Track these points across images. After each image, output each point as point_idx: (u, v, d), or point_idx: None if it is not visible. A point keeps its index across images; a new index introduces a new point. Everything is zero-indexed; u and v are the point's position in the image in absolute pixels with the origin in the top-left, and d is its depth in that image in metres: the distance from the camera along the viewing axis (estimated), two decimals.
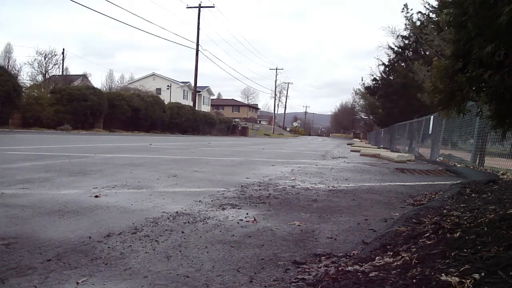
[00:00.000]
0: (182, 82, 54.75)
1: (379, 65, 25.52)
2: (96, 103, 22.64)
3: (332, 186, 3.72)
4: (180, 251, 1.60)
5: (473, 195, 2.81)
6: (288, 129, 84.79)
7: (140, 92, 33.24)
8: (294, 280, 1.31)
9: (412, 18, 17.78)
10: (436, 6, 14.38)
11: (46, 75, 34.33)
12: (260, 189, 3.32)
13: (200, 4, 33.40)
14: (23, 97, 19.44)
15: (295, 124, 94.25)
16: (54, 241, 1.65)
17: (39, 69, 34.76)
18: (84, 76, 42.60)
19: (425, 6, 19.63)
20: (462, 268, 1.08)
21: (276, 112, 76.07)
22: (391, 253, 1.42)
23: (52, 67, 35.52)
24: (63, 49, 41.28)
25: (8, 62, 35.83)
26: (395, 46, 24.04)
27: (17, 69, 33.76)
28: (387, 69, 25.18)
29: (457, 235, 1.49)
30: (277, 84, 70.76)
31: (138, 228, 1.92)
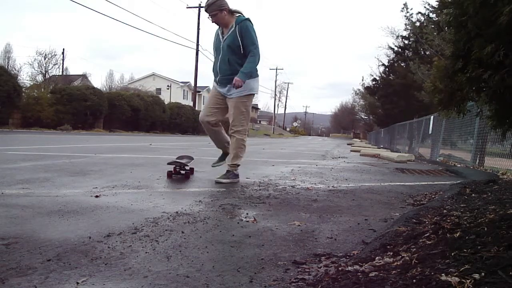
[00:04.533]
0: (182, 82, 54.73)
1: (379, 65, 25.56)
2: (96, 103, 22.63)
3: (332, 186, 3.72)
4: (180, 251, 1.60)
5: (473, 195, 2.81)
6: (288, 129, 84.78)
7: (140, 92, 33.26)
8: (294, 280, 1.31)
9: (411, 17, 17.81)
10: (436, 6, 14.38)
11: (46, 75, 34.35)
12: (260, 189, 3.32)
13: (200, 4, 33.37)
14: (23, 97, 19.43)
15: (295, 124, 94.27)
16: (54, 241, 1.65)
17: (39, 69, 34.79)
18: (84, 76, 42.64)
19: (425, 7, 19.66)
20: (462, 268, 1.08)
21: (276, 112, 76.07)
22: (391, 253, 1.42)
23: (52, 67, 35.56)
24: (63, 49, 41.37)
25: (8, 62, 35.85)
26: (395, 46, 24.07)
27: (17, 69, 33.79)
28: (387, 69, 25.20)
29: (457, 235, 1.49)
30: (277, 84, 70.74)
31: (138, 228, 1.92)
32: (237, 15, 3.68)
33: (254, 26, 3.69)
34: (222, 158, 4.04)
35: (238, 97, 3.66)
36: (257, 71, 3.76)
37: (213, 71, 3.86)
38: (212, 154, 8.11)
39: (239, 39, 3.56)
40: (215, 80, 3.84)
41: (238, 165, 3.83)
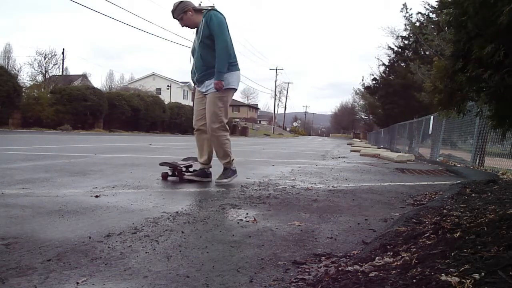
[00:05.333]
0: (182, 82, 54.72)
1: (379, 65, 25.56)
2: (96, 103, 22.63)
3: (332, 186, 3.72)
4: (180, 251, 1.60)
5: (473, 195, 2.81)
6: (288, 129, 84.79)
7: (140, 92, 33.28)
8: (294, 280, 1.31)
9: (411, 18, 17.80)
10: (436, 6, 14.38)
11: (46, 75, 34.36)
12: (260, 189, 3.32)
13: (200, 4, 33.42)
14: (23, 97, 19.44)
15: (295, 124, 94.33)
16: (54, 241, 1.65)
17: (39, 69, 34.80)
18: (84, 76, 42.67)
19: (425, 7, 19.65)
20: (462, 268, 1.08)
21: (276, 112, 76.08)
22: (391, 253, 1.42)
23: (52, 67, 35.56)
24: (63, 49, 41.36)
25: (8, 62, 35.86)
26: (395, 46, 24.06)
27: (17, 69, 33.80)
28: (387, 69, 25.19)
29: (457, 235, 1.49)
30: (277, 84, 70.77)
31: (138, 228, 1.92)
32: (204, 11, 3.57)
33: (224, 15, 3.52)
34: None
35: (216, 91, 3.55)
36: (237, 64, 3.62)
37: (191, 73, 3.78)
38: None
39: (207, 29, 3.48)
40: (193, 81, 3.79)
41: (232, 159, 3.74)
